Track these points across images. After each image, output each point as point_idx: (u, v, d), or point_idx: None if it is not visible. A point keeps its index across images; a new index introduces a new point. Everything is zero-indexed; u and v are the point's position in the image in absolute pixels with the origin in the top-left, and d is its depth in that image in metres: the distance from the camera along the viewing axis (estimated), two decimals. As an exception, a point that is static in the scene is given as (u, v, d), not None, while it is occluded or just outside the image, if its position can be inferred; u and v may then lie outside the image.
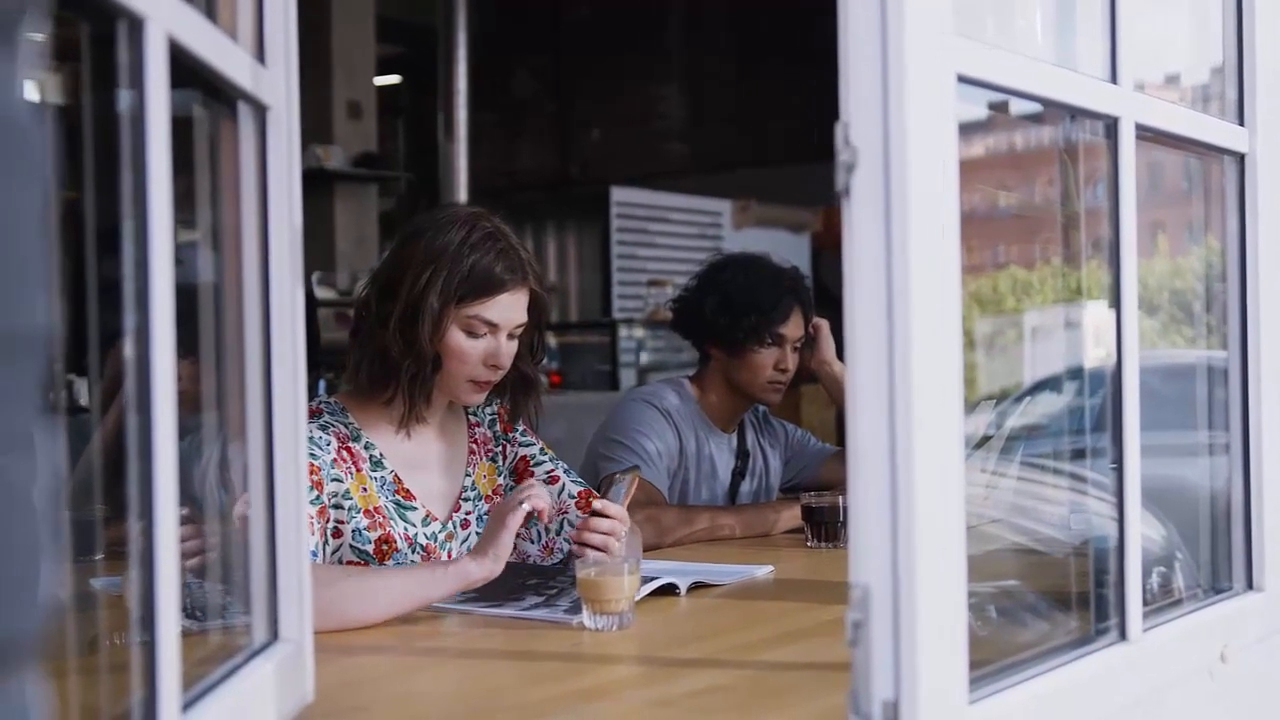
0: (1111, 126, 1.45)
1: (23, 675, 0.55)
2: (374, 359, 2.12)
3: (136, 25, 0.94)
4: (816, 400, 5.75)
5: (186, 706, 1.03)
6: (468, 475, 2.26)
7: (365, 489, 2.10)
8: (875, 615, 1.12)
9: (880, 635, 1.12)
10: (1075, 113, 1.49)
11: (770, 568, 2.30)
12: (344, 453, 2.09)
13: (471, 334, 2.11)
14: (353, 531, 2.06)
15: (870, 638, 1.13)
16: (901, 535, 1.12)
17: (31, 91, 0.56)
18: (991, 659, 1.29)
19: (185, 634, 1.01)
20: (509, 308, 2.12)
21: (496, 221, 2.15)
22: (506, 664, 1.70)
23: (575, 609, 1.86)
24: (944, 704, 1.14)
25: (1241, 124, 1.73)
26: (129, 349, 0.95)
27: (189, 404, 1.14)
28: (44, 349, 0.56)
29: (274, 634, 1.32)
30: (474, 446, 2.29)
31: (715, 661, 1.67)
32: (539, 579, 2.09)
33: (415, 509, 2.15)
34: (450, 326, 2.09)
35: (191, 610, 1.29)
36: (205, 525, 1.44)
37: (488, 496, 2.27)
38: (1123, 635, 1.46)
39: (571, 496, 2.28)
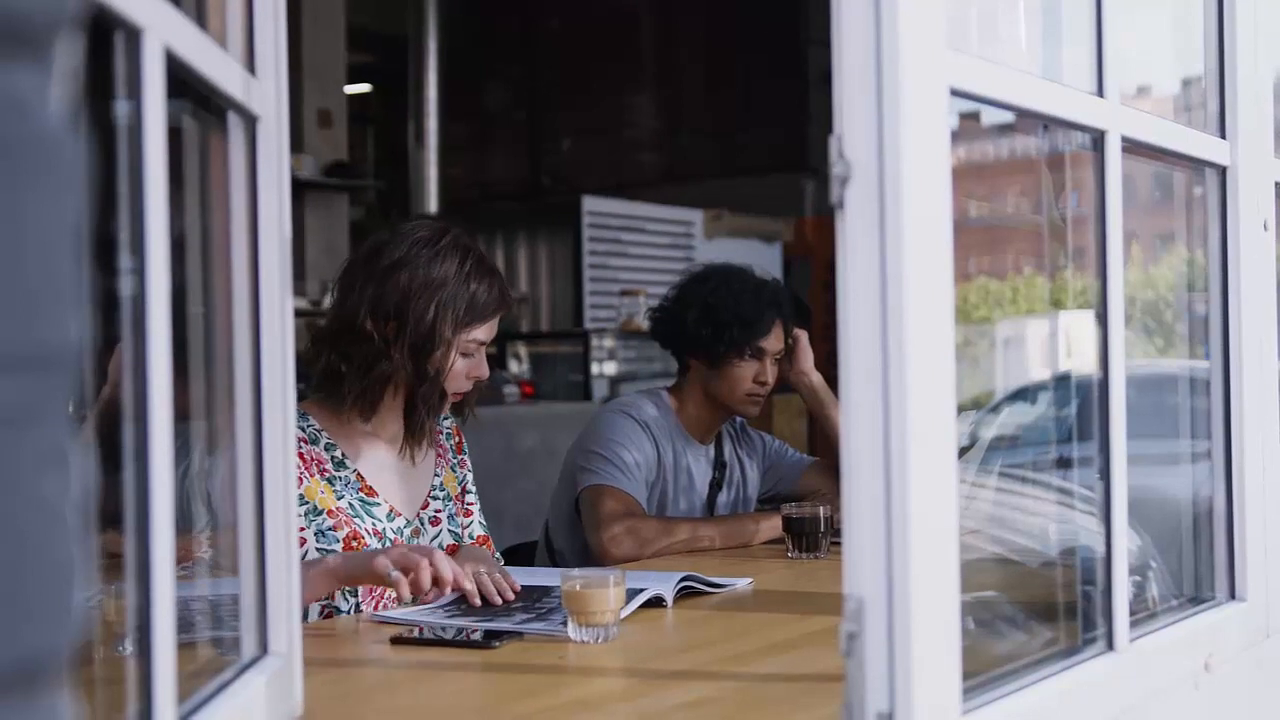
0: (1099, 139, 1.46)
1: (58, 689, 0.55)
2: (378, 383, 2.18)
3: (134, 36, 0.93)
4: (789, 410, 5.76)
5: (180, 722, 1.02)
6: (436, 475, 2.35)
7: (325, 490, 2.16)
8: (869, 627, 1.12)
9: (875, 647, 1.12)
10: (1064, 126, 1.49)
11: (749, 580, 2.30)
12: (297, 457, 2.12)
13: (466, 355, 2.23)
14: (317, 533, 2.12)
15: (864, 649, 1.12)
16: (896, 547, 1.12)
17: (64, 106, 0.56)
18: (982, 670, 1.30)
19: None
20: (495, 326, 2.27)
21: (470, 242, 2.27)
22: (494, 677, 1.69)
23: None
24: (938, 715, 1.14)
25: (1223, 137, 1.75)
26: (126, 359, 0.94)
27: (175, 413, 1.13)
28: (75, 365, 0.55)
29: (263, 648, 1.31)
30: (440, 450, 2.38)
31: (703, 673, 1.67)
32: (526, 599, 2.07)
33: (379, 504, 2.22)
34: (454, 352, 2.20)
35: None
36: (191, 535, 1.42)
37: (456, 497, 2.37)
38: (1110, 645, 1.46)
39: (472, 537, 2.40)
